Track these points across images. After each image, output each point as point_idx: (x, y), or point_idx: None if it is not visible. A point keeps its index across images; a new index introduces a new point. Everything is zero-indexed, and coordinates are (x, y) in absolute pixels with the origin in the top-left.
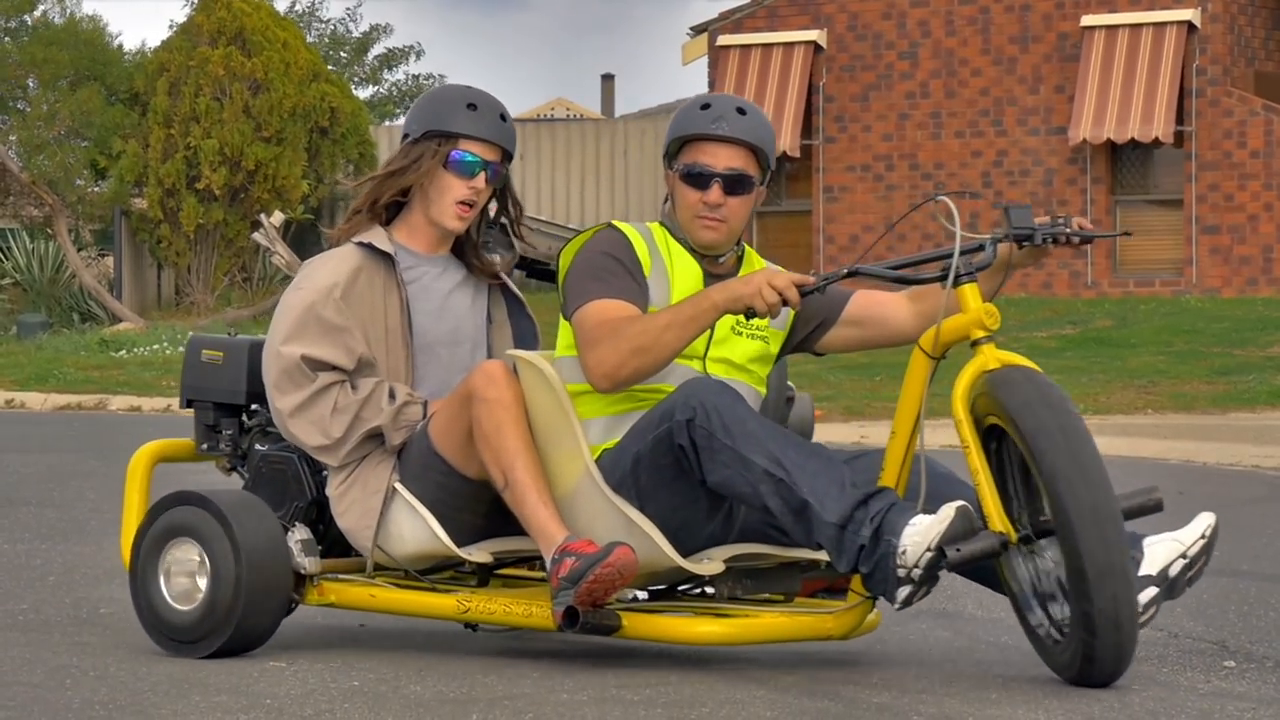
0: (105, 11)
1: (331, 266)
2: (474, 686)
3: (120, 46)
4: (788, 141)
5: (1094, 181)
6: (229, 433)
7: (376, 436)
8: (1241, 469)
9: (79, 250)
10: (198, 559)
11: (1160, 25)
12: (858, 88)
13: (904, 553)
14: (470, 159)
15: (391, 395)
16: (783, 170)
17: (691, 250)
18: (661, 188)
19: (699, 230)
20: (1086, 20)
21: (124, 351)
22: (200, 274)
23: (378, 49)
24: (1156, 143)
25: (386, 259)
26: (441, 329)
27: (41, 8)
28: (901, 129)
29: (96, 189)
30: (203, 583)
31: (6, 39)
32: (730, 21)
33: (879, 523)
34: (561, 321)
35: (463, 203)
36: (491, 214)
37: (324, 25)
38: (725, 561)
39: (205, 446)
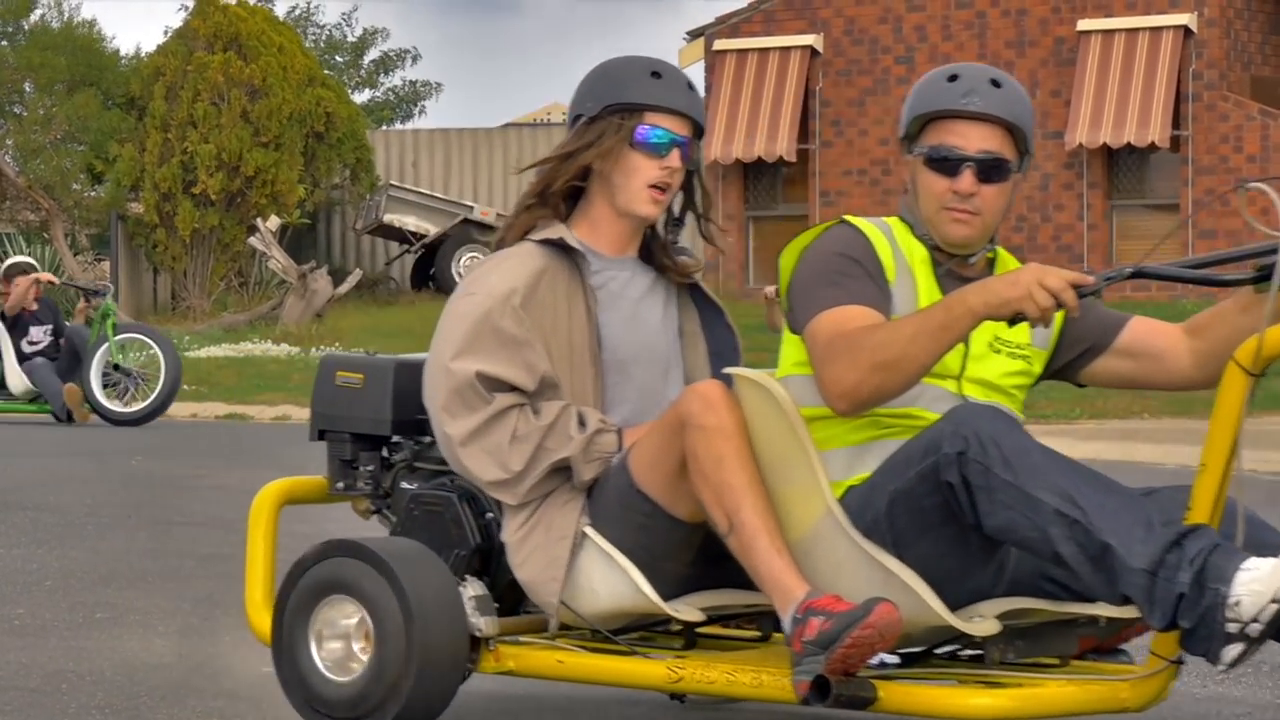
0: (99, 15)
1: (509, 268)
2: (470, 690)
3: (116, 51)
4: (784, 146)
5: (1090, 186)
6: (369, 469)
7: (561, 471)
8: (1238, 474)
9: (75, 255)
10: (356, 621)
11: (1156, 30)
12: (854, 92)
13: (1238, 604)
14: (661, 134)
15: (581, 422)
16: (779, 175)
17: (935, 249)
18: None
19: (947, 224)
20: (1083, 25)
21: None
22: (196, 279)
23: (374, 53)
24: (1153, 147)
25: (569, 261)
26: (633, 344)
27: (38, 12)
28: (898, 133)
29: (93, 193)
30: (363, 649)
31: (3, 43)
32: (726, 26)
33: (1200, 567)
34: (785, 334)
35: (655, 186)
36: (676, 210)
37: (320, 30)
38: (998, 619)
39: (341, 485)
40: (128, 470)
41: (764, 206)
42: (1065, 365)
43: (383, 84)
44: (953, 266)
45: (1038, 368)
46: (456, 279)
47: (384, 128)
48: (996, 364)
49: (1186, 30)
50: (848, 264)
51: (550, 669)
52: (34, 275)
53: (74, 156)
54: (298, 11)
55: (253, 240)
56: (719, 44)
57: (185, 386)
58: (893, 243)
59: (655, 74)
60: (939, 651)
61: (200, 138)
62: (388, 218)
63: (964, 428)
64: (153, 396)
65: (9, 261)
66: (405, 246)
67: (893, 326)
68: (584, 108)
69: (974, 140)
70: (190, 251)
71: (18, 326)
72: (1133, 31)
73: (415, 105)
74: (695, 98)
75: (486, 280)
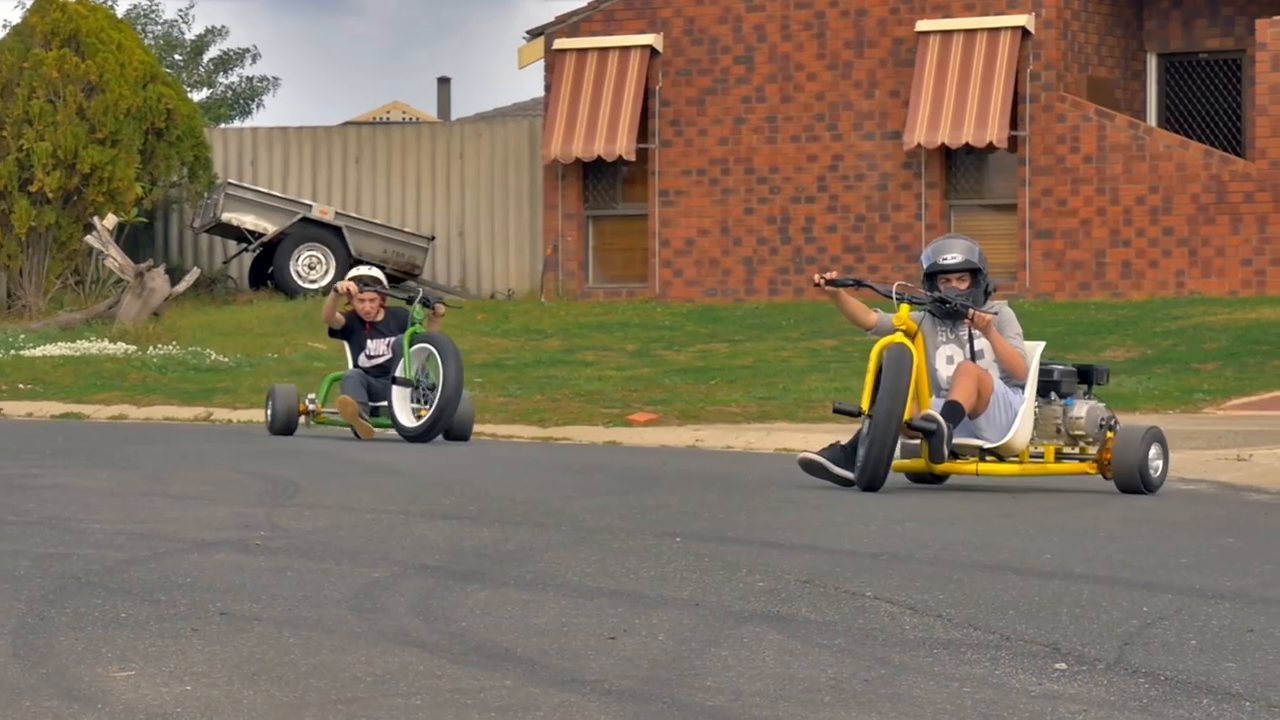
0: None
1: None
2: (307, 691)
3: None
4: (624, 145)
5: (928, 186)
6: None
7: None
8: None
9: None
10: None
11: (994, 31)
12: (694, 92)
13: None
14: None
15: None
16: (619, 174)
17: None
18: (498, 190)
19: None
20: (921, 25)
21: None
22: (32, 277)
23: (213, 52)
24: (990, 147)
25: None
26: None
27: None
28: (737, 133)
29: None
30: None
31: None
32: (566, 25)
33: None
34: None
35: None
36: None
37: (160, 27)
38: None
39: None
40: None
41: (604, 206)
42: None
43: (221, 83)
44: None
45: None
46: (295, 278)
47: (222, 125)
48: None
49: (1024, 31)
50: None
51: None
52: (340, 288)
53: None
54: (138, 11)
55: (89, 239)
56: (559, 43)
57: (20, 385)
58: None
59: None
60: None
61: (36, 135)
62: (226, 216)
63: None
64: (430, 412)
65: (353, 273)
66: (243, 245)
67: None
68: None
69: None
70: (26, 250)
71: (355, 339)
72: (971, 32)
73: (253, 101)
74: None
75: None
